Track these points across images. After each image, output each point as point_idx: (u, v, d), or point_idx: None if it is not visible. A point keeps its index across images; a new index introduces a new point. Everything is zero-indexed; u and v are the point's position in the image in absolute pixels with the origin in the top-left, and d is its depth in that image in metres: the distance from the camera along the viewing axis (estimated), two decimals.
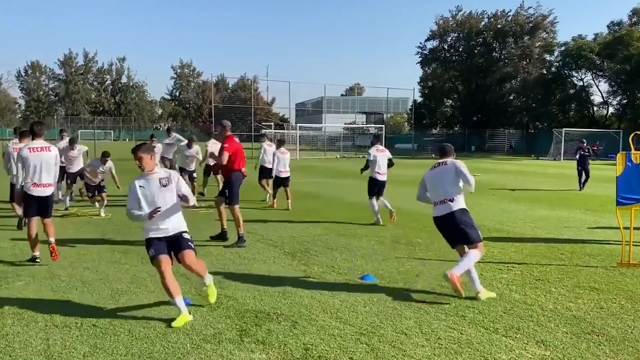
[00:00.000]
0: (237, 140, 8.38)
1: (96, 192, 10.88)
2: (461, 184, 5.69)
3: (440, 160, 5.99)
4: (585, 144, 17.52)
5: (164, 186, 4.76)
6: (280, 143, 12.81)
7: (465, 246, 5.62)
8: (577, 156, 17.30)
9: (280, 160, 12.30)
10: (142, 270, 6.43)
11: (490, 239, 8.67)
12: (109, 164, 11.13)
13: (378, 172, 10.09)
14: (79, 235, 8.49)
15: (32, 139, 6.86)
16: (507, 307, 5.22)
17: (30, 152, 6.69)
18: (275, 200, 12.41)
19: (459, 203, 5.66)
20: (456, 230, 5.62)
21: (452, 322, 4.77)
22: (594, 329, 4.66)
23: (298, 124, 49.78)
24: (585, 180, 16.92)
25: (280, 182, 12.34)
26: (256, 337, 4.37)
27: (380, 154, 10.18)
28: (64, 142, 12.16)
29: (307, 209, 11.91)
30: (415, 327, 4.65)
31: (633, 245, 6.97)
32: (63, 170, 10.96)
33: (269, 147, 13.30)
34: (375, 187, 10.14)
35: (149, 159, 4.75)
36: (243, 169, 8.25)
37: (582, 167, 16.94)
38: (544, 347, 4.24)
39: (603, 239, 8.76)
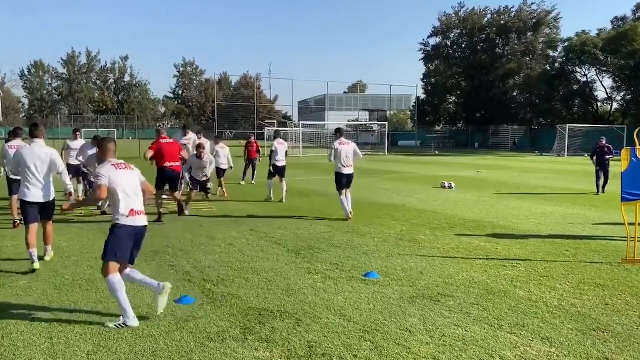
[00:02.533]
0: (165, 140, 9.91)
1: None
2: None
3: (344, 140, 10.40)
4: (604, 141, 15.50)
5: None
6: (217, 139, 15.11)
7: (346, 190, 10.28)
8: (595, 156, 15.52)
9: (220, 154, 14.33)
10: (145, 268, 6.43)
11: (494, 236, 8.66)
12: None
13: (277, 160, 12.97)
14: (83, 234, 8.50)
15: (14, 138, 8.99)
16: (511, 303, 5.20)
17: (10, 149, 8.99)
18: (220, 188, 13.99)
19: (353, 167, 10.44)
20: (349, 182, 10.34)
21: (456, 319, 4.75)
22: (599, 325, 4.63)
23: (301, 122, 49.73)
24: (605, 183, 15.19)
25: (219, 173, 14.23)
26: (260, 335, 4.36)
27: (280, 146, 13.17)
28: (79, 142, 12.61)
29: (310, 206, 11.90)
30: (419, 324, 4.63)
31: (638, 241, 6.93)
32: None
33: (204, 143, 14.60)
34: (275, 171, 12.96)
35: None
36: (168, 164, 9.74)
37: (601, 167, 15.21)
38: (549, 344, 4.22)
39: (608, 235, 8.73)
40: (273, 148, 13.09)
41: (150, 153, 9.81)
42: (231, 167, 15.10)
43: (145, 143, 15.17)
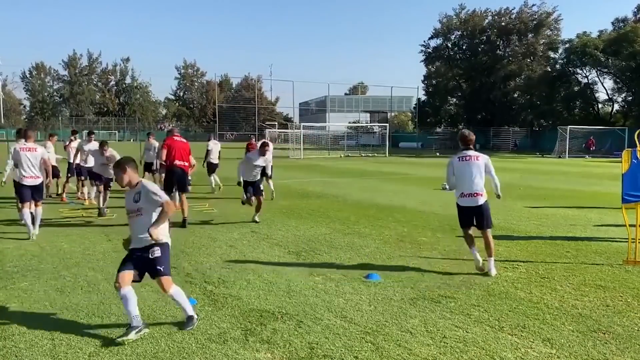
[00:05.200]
0: (178, 139, 10.13)
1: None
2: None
3: (210, 142, 14.43)
4: None
5: None
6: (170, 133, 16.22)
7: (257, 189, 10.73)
8: None
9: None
10: None
11: (495, 237, 8.59)
12: (110, 151, 10.73)
13: (212, 158, 15.33)
14: (84, 236, 8.52)
15: (18, 140, 10.25)
16: (512, 305, 5.21)
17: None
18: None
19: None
20: (264, 173, 10.63)
21: (457, 321, 4.76)
22: (600, 326, 4.64)
23: (302, 123, 49.82)
24: None
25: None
26: (261, 337, 4.37)
27: (214, 145, 15.50)
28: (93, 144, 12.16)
29: (312, 208, 11.91)
30: (420, 325, 4.64)
31: (639, 242, 6.92)
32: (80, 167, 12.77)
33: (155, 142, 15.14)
34: (211, 169, 15.28)
35: None
36: (177, 162, 9.90)
37: None
38: (550, 345, 4.22)
39: (609, 236, 8.73)
40: (209, 148, 15.00)
41: (164, 153, 9.88)
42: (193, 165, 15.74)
43: None
